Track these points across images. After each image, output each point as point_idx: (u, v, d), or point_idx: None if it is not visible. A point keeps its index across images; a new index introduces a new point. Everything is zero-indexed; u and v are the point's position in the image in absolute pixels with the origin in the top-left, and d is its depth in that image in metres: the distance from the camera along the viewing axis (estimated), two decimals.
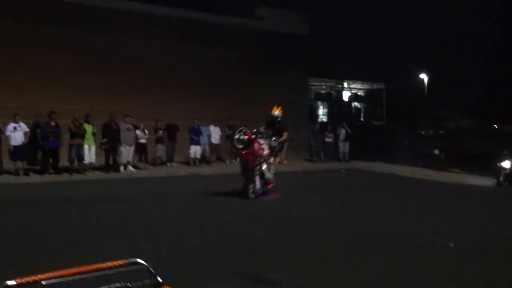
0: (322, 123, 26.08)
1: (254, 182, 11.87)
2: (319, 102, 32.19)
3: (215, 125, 19.92)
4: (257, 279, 5.99)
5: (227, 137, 20.46)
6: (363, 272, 6.33)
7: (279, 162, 13.53)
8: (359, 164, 21.23)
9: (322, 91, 32.73)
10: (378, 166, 20.65)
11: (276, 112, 12.52)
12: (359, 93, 34.38)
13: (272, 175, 12.29)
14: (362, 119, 33.09)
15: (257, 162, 11.80)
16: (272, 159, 12.30)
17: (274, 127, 12.45)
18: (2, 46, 18.08)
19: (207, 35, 22.08)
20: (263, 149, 11.92)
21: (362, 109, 34.16)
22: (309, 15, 25.56)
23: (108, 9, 20.06)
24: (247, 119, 20.96)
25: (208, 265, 6.47)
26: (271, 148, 12.16)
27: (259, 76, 22.86)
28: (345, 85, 32.87)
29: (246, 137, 11.90)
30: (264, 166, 11.99)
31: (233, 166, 19.63)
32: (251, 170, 11.82)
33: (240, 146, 11.95)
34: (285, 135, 12.45)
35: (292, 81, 24.11)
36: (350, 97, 33.81)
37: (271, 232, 8.68)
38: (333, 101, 32.80)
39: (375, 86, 33.69)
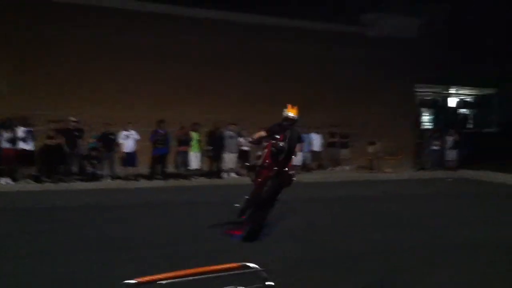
0: (429, 130, 25.30)
1: (266, 216, 8.40)
2: (424, 109, 31.15)
3: (317, 133, 19.90)
4: None
5: (328, 145, 20.43)
6: None
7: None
8: (467, 173, 20.31)
9: (428, 98, 31.62)
10: (488, 175, 19.64)
11: (292, 113, 8.94)
12: (467, 99, 32.83)
13: None
14: (470, 126, 31.60)
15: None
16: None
17: (284, 133, 8.60)
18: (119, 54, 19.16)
19: (314, 42, 22.08)
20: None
21: (471, 116, 32.61)
22: (418, 19, 24.89)
23: (223, 21, 20.72)
24: (349, 126, 20.86)
25: (325, 274, 6.46)
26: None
27: (363, 82, 22.57)
28: (452, 90, 31.56)
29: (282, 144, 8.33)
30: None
31: (335, 173, 19.57)
32: (275, 197, 8.28)
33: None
34: (298, 148, 8.95)
35: (399, 88, 23.58)
36: (457, 103, 32.41)
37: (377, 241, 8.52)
38: (439, 108, 31.60)
39: (485, 91, 32.03)
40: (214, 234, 8.81)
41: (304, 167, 19.39)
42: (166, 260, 6.84)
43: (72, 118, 15.85)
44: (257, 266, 2.89)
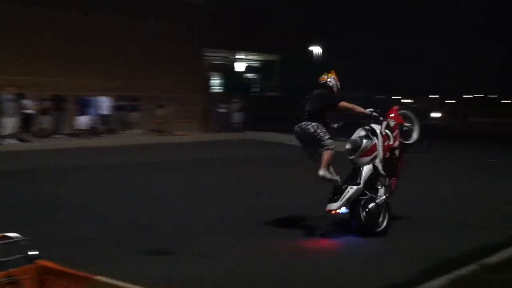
0: (217, 93, 26.25)
1: None
2: (213, 73, 32.17)
3: (105, 96, 19.31)
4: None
5: (117, 108, 19.99)
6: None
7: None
8: (251, 134, 21.55)
9: (217, 62, 32.68)
10: (270, 136, 21.09)
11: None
12: (253, 64, 34.72)
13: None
14: (256, 89, 33.55)
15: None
16: None
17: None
18: None
19: (95, 1, 21.13)
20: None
21: (256, 80, 34.60)
22: None
23: None
24: (138, 89, 20.64)
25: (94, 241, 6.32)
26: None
27: (152, 45, 22.40)
28: (240, 56, 33.06)
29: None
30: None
31: (124, 137, 19.31)
32: None
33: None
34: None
35: (187, 51, 23.83)
36: (244, 68, 34.10)
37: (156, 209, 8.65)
38: (228, 72, 32.93)
39: (269, 57, 34.16)
40: None
41: (93, 131, 18.78)
42: None
43: None
44: (18, 235, 2.76)
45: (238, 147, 18.75)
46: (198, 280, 4.94)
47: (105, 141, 18.29)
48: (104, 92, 19.23)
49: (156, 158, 14.85)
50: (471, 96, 59.35)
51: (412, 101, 45.27)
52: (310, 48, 34.00)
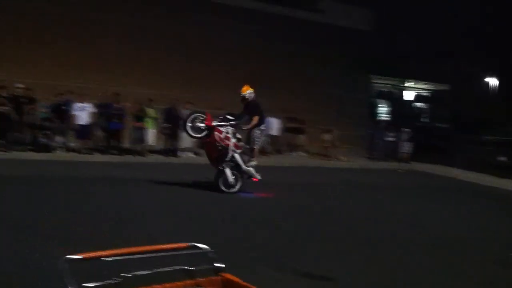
0: (384, 121, 25.69)
1: (223, 174, 10.77)
2: (380, 100, 31.62)
3: (275, 117, 19.79)
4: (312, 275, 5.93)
5: (285, 130, 20.42)
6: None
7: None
8: (419, 166, 20.69)
9: (384, 89, 32.08)
10: (439, 169, 20.09)
11: (244, 91, 11.23)
12: (422, 93, 33.50)
13: (251, 168, 11.00)
14: (424, 120, 32.28)
15: (219, 152, 10.63)
16: (247, 149, 11.10)
17: (246, 111, 11.14)
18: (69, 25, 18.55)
19: (268, 26, 21.90)
20: (228, 138, 10.62)
21: (425, 110, 33.29)
22: (372, 10, 24.94)
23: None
24: (304, 112, 20.87)
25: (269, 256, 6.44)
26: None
27: (318, 70, 22.64)
28: (408, 84, 32.14)
29: (202, 125, 10.61)
30: (237, 157, 10.74)
31: (287, 159, 19.64)
32: (216, 161, 10.80)
33: (196, 135, 10.91)
34: (254, 120, 10.92)
35: (353, 77, 23.77)
36: (413, 97, 33.04)
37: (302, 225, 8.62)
38: (395, 100, 32.11)
39: (440, 87, 32.72)
40: (164, 213, 8.71)
41: (261, 151, 19.31)
42: (110, 238, 6.66)
43: (19, 85, 15.24)
44: (206, 246, 2.84)
45: (404, 177, 18.18)
46: None
47: (267, 161, 18.65)
48: (273, 113, 19.71)
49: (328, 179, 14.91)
50: None
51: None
52: (486, 79, 31.94)
